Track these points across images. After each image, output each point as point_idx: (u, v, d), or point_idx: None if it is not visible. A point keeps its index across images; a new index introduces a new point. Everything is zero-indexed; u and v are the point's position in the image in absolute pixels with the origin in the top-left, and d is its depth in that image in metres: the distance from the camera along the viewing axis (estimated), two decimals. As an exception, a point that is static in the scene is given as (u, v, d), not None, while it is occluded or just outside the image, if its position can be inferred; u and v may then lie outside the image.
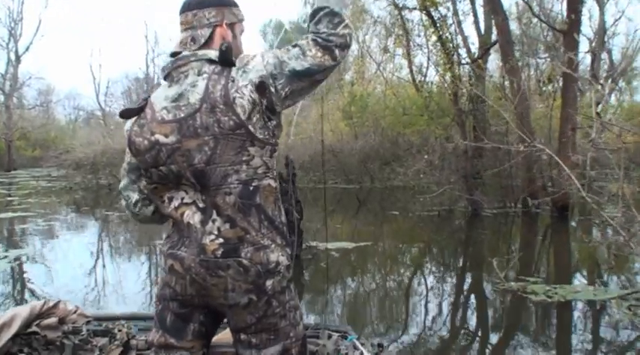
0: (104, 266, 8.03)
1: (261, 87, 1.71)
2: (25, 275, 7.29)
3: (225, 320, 1.88)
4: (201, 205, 1.75)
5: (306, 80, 1.77)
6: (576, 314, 5.49)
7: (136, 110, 1.86)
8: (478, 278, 7.26)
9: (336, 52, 1.78)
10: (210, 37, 1.85)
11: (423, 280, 7.31)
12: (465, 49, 15.84)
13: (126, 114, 1.87)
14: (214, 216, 1.73)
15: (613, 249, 6.06)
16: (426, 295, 6.34)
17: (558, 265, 8.11)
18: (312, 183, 19.43)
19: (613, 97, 21.37)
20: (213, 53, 1.80)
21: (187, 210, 1.77)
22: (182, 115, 1.74)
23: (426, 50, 17.06)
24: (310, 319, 5.21)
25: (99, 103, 46.84)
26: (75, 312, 2.95)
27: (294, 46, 1.78)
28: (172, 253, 1.79)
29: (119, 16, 75.73)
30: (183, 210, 1.78)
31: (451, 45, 14.06)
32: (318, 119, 25.98)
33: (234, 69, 1.74)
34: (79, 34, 70.74)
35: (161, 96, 1.81)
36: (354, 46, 33.34)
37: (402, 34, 17.67)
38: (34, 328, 2.73)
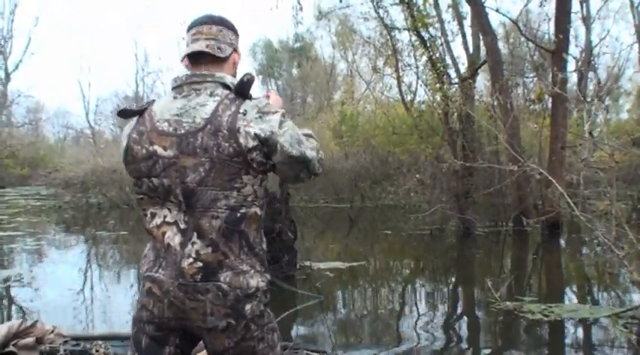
0: (92, 286, 7.96)
1: (268, 141, 1.74)
2: (12, 295, 7.20)
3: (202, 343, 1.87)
4: (182, 226, 1.74)
5: (300, 164, 1.82)
6: (573, 331, 5.49)
7: (134, 112, 1.87)
8: (472, 297, 7.26)
9: (315, 171, 1.88)
10: (227, 58, 1.90)
11: (416, 299, 7.29)
12: (454, 69, 16.01)
13: (124, 113, 1.88)
14: (194, 238, 1.72)
15: (607, 268, 6.09)
16: (420, 315, 6.32)
17: (551, 283, 8.12)
18: (303, 202, 19.41)
19: (601, 115, 21.60)
20: (229, 79, 1.83)
21: (168, 230, 1.76)
22: (183, 131, 1.73)
23: (415, 70, 17.20)
24: (302, 336, 5.19)
25: (88, 122, 46.54)
26: (52, 332, 2.90)
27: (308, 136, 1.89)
28: (150, 276, 1.78)
29: (109, 35, 75.85)
30: (165, 230, 1.77)
31: (440, 65, 14.18)
32: (309, 138, 26.06)
33: (248, 103, 1.76)
34: (68, 53, 70.84)
35: (164, 107, 1.81)
36: (344, 66, 33.65)
37: (392, 54, 17.82)
38: (11, 348, 2.68)
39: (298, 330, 5.58)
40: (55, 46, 72.50)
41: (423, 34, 13.86)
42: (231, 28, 1.93)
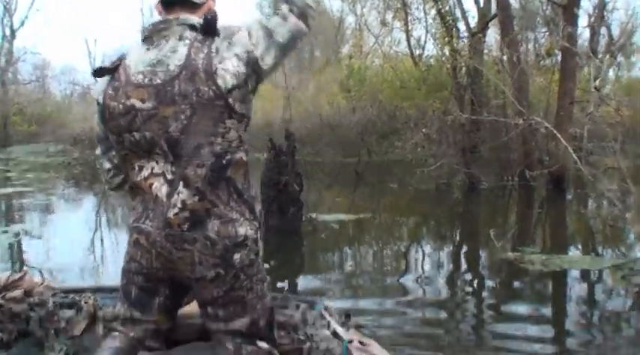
0: (100, 239, 8.12)
1: (250, 61, 1.71)
2: (23, 249, 7.34)
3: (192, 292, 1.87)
4: (169, 177, 1.72)
5: (289, 51, 1.81)
6: (572, 282, 5.62)
7: (109, 69, 1.81)
8: (475, 249, 7.40)
9: (309, 20, 1.84)
10: (202, 4, 1.84)
11: (419, 251, 7.42)
12: (463, 23, 15.80)
13: (99, 72, 1.84)
14: (180, 187, 1.70)
15: (609, 221, 6.18)
16: (422, 265, 6.47)
17: (555, 236, 8.24)
18: (310, 156, 19.47)
19: (612, 72, 21.32)
20: (195, 19, 1.77)
21: (156, 181, 1.74)
22: (159, 81, 1.70)
23: (424, 24, 17.00)
24: (305, 287, 5.35)
25: (95, 78, 46.29)
26: (41, 284, 2.83)
27: (274, 14, 1.81)
28: (137, 226, 1.77)
29: (114, -11, 74.69)
30: (152, 181, 1.74)
31: (450, 18, 14.01)
32: (316, 93, 25.95)
33: (217, 39, 1.73)
34: (74, 9, 69.70)
35: (137, 59, 1.76)
36: (352, 19, 33.16)
37: (401, 7, 17.59)
38: None
39: (299, 281, 5.72)
40: (61, 2, 71.49)
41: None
42: None
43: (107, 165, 1.94)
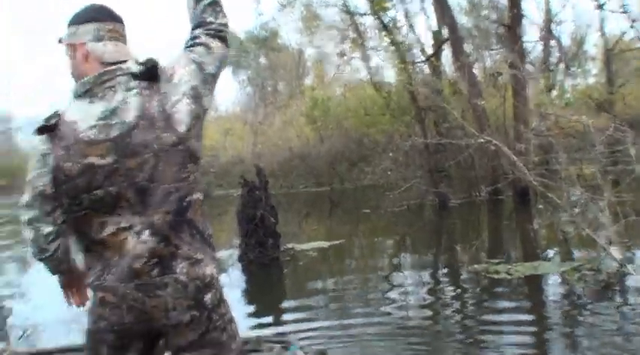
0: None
1: (197, 96, 1.75)
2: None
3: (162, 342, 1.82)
4: (137, 228, 1.67)
5: (219, 74, 1.86)
6: (535, 286, 6.04)
7: (49, 127, 1.72)
8: (446, 263, 7.79)
9: (228, 39, 1.89)
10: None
11: (394, 269, 7.73)
12: (419, 49, 16.49)
13: (42, 131, 1.73)
14: (146, 236, 1.67)
15: (561, 227, 6.62)
16: (398, 284, 6.79)
17: (519, 246, 8.70)
18: (283, 189, 19.80)
19: (569, 82, 22.20)
20: (134, 67, 1.75)
21: (125, 235, 1.68)
22: (116, 133, 1.66)
23: (381, 52, 17.63)
24: (287, 316, 5.61)
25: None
26: (6, 351, 2.85)
27: (194, 44, 1.84)
28: (99, 284, 1.71)
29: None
30: (122, 236, 1.68)
31: (403, 46, 14.63)
32: (283, 126, 26.40)
33: (161, 83, 1.73)
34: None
35: (84, 115, 1.69)
36: (311, 51, 33.83)
37: (357, 37, 18.23)
38: None
39: (280, 309, 5.99)
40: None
41: (383, 17, 14.29)
42: (123, 21, 1.88)
43: (47, 230, 1.76)
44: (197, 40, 1.84)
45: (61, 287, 1.96)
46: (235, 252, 8.24)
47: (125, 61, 1.76)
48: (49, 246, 1.77)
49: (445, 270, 7.50)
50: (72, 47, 1.80)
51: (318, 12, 23.81)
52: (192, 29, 1.90)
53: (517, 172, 6.34)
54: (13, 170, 37.52)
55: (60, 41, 1.84)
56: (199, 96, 1.76)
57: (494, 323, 4.90)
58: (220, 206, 15.96)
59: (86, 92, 1.71)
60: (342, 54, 23.38)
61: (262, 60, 39.93)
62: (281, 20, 30.36)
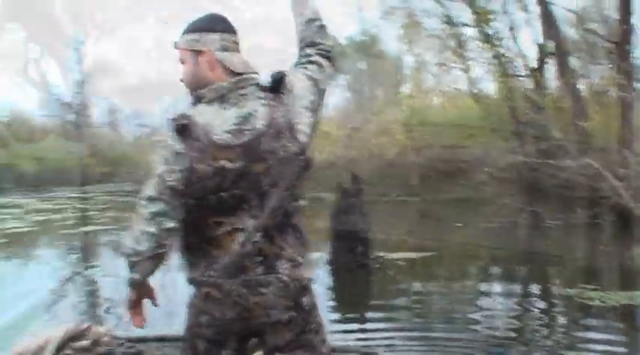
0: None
1: (314, 110, 1.89)
2: (97, 289, 7.65)
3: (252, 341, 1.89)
4: (250, 230, 1.75)
5: (326, 90, 1.98)
6: (630, 317, 5.84)
7: (185, 127, 1.76)
8: (537, 284, 7.62)
9: (335, 61, 2.03)
10: None
11: (483, 287, 7.65)
12: (521, 61, 16.06)
13: (181, 131, 1.76)
14: (257, 238, 1.75)
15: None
16: (485, 300, 6.74)
17: (617, 274, 8.35)
18: (375, 196, 19.82)
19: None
20: (263, 78, 1.87)
21: (240, 235, 1.76)
22: (246, 139, 1.75)
23: (482, 63, 17.32)
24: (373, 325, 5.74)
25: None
26: (106, 335, 2.99)
27: (309, 62, 1.99)
28: (205, 280, 1.77)
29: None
30: (234, 236, 1.76)
31: (506, 58, 14.33)
32: (378, 133, 26.38)
33: (284, 95, 1.85)
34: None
35: (217, 119, 1.77)
36: (411, 59, 33.63)
37: (458, 47, 18.01)
38: (67, 350, 2.77)
39: (366, 316, 6.09)
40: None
41: (487, 29, 14.08)
42: None
43: (170, 225, 1.77)
44: (311, 58, 1.99)
45: (131, 300, 1.93)
46: (324, 255, 8.45)
47: (255, 72, 1.87)
48: (167, 241, 1.79)
49: (536, 290, 7.36)
50: (193, 53, 1.85)
51: (420, 20, 23.74)
52: (303, 47, 2.04)
53: (618, 197, 6.13)
54: (117, 159, 39.64)
55: (175, 46, 1.89)
56: (316, 110, 1.91)
57: (583, 340, 4.82)
58: (312, 208, 16.25)
59: (219, 98, 1.80)
60: (441, 63, 23.09)
61: (361, 65, 40.15)
62: (382, 27, 30.44)
